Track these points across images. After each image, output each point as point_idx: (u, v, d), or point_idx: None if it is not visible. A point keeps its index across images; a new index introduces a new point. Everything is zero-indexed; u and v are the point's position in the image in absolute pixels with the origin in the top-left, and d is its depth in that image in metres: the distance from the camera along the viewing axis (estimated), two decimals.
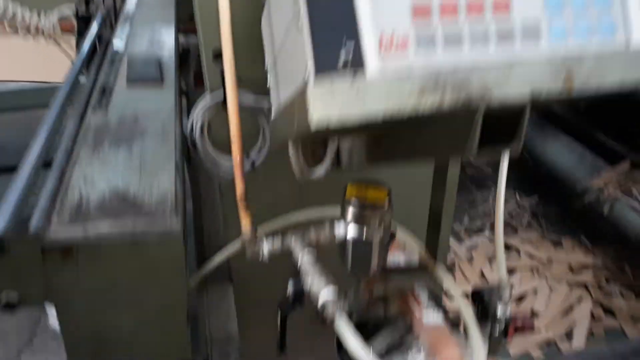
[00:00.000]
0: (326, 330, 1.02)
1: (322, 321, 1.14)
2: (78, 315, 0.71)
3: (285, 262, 1.17)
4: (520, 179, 3.43)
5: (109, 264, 0.67)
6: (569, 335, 2.45)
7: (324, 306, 0.65)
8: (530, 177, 3.37)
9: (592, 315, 2.54)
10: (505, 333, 0.81)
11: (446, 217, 1.03)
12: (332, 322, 0.64)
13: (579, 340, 2.41)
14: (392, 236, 0.77)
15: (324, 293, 0.65)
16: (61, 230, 0.67)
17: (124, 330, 0.74)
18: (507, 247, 2.93)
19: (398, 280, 0.82)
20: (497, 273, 0.85)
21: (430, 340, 0.80)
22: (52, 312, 1.92)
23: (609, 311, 2.58)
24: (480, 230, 3.14)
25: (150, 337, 0.77)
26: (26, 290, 0.70)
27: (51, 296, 0.69)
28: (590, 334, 2.47)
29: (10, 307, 0.72)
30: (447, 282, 0.82)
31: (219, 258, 0.98)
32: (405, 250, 0.87)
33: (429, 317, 0.82)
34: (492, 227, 2.96)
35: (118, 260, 0.68)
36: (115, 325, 0.73)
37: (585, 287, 2.68)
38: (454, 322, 0.82)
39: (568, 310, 2.56)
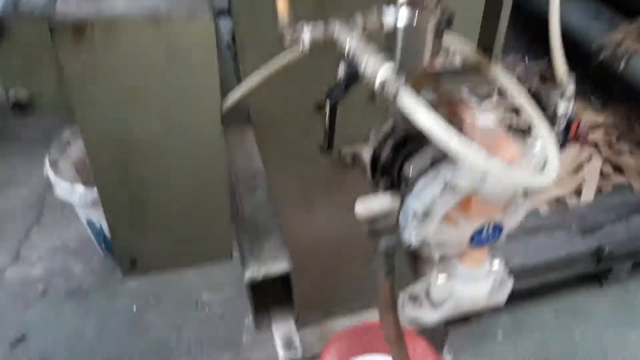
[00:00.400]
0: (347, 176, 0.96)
1: (344, 165, 1.07)
2: (97, 113, 0.63)
3: (302, 105, 1.08)
4: (529, 42, 3.29)
5: (129, 46, 0.58)
6: (577, 192, 2.46)
7: (382, 84, 0.56)
8: (540, 39, 3.22)
9: (601, 173, 2.53)
10: (567, 132, 0.74)
11: (505, 8, 0.92)
12: (394, 99, 0.56)
13: (588, 195, 2.43)
14: (449, 23, 0.67)
15: (383, 70, 0.56)
16: (71, 6, 0.56)
17: (152, 132, 0.66)
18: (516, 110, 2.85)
19: (448, 80, 0.74)
20: (556, 74, 0.76)
21: (486, 142, 0.73)
22: (58, 183, 1.85)
23: (617, 169, 2.58)
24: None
25: (182, 142, 0.70)
26: (36, 85, 0.61)
27: (66, 90, 0.59)
28: (599, 191, 2.47)
29: (19, 107, 0.63)
30: (504, 80, 0.74)
31: (240, 91, 0.88)
32: (455, 50, 0.77)
33: (482, 119, 0.74)
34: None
35: (140, 41, 0.58)
36: (142, 127, 0.65)
37: (596, 145, 2.64)
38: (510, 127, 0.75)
39: (578, 168, 2.55)
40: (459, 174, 0.65)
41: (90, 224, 2.29)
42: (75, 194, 2.14)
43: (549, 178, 0.62)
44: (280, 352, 1.05)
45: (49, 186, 2.47)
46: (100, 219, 2.23)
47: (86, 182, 2.12)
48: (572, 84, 0.72)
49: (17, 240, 2.49)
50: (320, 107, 0.77)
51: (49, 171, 2.20)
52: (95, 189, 0.79)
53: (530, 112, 0.70)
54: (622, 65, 2.58)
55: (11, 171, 2.80)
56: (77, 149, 2.36)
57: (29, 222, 2.58)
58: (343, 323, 1.43)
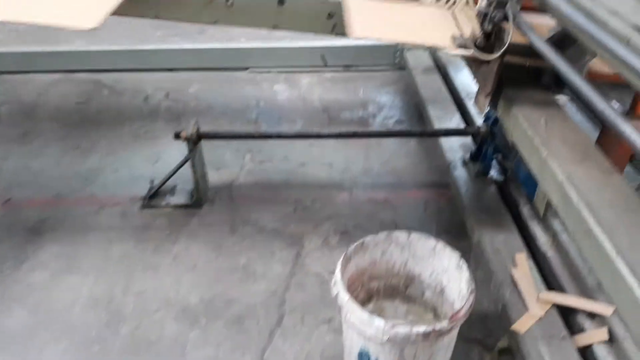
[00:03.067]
0: None
1: None
2: None
3: None
4: None
5: None
6: None
7: None
8: None
9: None
10: None
11: None
12: None
13: None
14: None
15: None
16: None
17: None
18: None
19: None
20: None
21: None
22: (354, 310, 1.64)
23: None
24: None
25: None
26: None
27: None
28: None
29: None
30: None
31: None
32: None
33: None
34: None
35: None
36: None
37: None
38: None
39: None
40: None
41: (363, 355, 2.11)
42: (371, 327, 1.97)
43: None
44: None
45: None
46: (377, 353, 2.05)
47: None
48: None
49: (262, 343, 2.35)
50: None
51: (342, 291, 2.06)
52: None
53: None
54: None
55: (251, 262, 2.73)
56: (355, 265, 2.23)
57: (271, 323, 2.45)
58: None
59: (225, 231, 2.94)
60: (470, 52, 1.50)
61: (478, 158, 3.16)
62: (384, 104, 4.25)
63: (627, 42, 1.08)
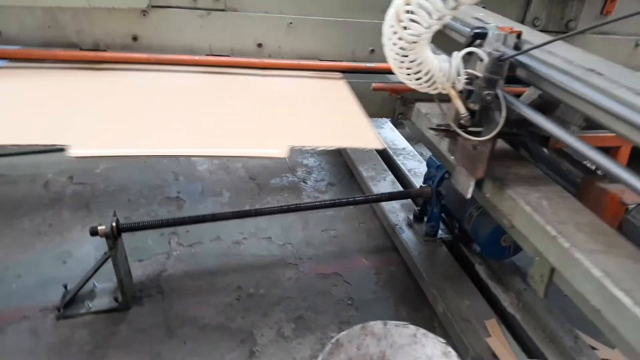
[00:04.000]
0: None
1: None
2: None
3: None
4: None
5: None
6: None
7: None
8: None
9: None
10: None
11: None
12: None
13: None
14: None
15: None
16: None
17: None
18: None
19: None
20: None
21: None
22: None
23: None
24: None
25: None
26: None
27: None
28: None
29: None
30: None
31: None
32: None
33: None
34: None
35: None
36: None
37: None
38: None
39: None
40: None
41: None
42: None
43: None
44: None
45: None
46: None
47: None
48: None
49: None
50: None
51: None
52: None
53: None
54: None
55: None
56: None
57: None
58: None
59: (161, 336, 2.54)
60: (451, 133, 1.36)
61: (422, 219, 3.06)
62: (311, 167, 4.09)
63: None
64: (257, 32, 1.77)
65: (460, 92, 1.30)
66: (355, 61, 1.88)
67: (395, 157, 3.76)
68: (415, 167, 3.66)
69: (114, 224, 2.53)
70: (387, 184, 3.46)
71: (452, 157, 1.48)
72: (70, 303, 2.67)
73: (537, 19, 1.89)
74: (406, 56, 1.14)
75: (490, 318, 2.44)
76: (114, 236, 2.53)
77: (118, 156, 1.27)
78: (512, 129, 1.32)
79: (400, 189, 3.40)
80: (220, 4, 1.68)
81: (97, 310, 2.66)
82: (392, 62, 1.20)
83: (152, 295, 2.79)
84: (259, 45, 1.80)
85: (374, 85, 1.85)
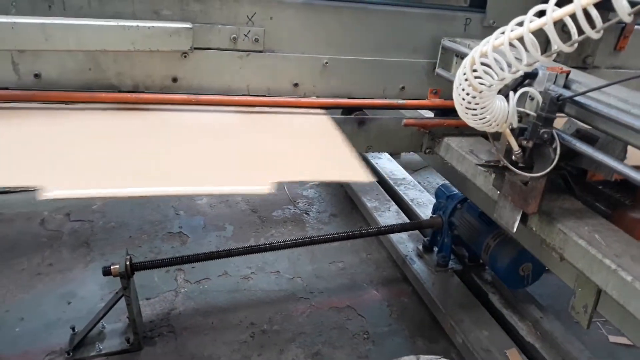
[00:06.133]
0: None
1: None
2: None
3: None
4: None
5: None
6: None
7: None
8: None
9: None
10: None
11: None
12: None
13: None
14: None
15: None
16: None
17: None
18: None
19: None
20: None
21: None
22: None
23: None
24: None
25: None
26: None
27: None
28: None
29: None
30: None
31: None
32: None
33: None
34: None
35: None
36: None
37: None
38: None
39: None
40: None
41: None
42: None
43: None
44: None
45: None
46: None
47: None
48: None
49: None
50: None
51: None
52: None
53: None
54: None
55: None
56: None
57: None
58: None
59: None
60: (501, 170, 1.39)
61: (432, 249, 3.09)
62: (312, 198, 4.10)
63: None
64: (294, 72, 1.80)
65: (513, 129, 1.34)
66: (386, 98, 1.92)
67: (396, 188, 3.80)
68: (418, 196, 3.70)
69: (127, 263, 2.47)
70: (392, 214, 3.49)
71: (498, 192, 1.52)
72: (80, 345, 2.58)
73: (557, 56, 1.97)
74: (475, 98, 1.18)
75: (510, 347, 2.46)
76: (127, 275, 2.48)
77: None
78: (558, 163, 1.36)
79: (406, 219, 3.43)
80: (259, 46, 1.70)
81: (108, 352, 2.57)
82: (459, 106, 1.24)
83: (164, 334, 2.72)
84: (295, 85, 1.83)
85: (405, 121, 1.89)
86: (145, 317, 2.78)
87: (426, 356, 1.95)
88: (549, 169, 1.30)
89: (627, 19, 0.86)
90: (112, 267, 2.46)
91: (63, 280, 3.05)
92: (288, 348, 2.65)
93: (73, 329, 2.62)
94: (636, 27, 2.04)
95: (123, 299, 2.50)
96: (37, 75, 1.59)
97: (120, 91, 1.64)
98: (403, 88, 1.96)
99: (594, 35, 0.94)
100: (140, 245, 3.40)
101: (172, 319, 2.82)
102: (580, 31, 0.96)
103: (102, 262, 3.05)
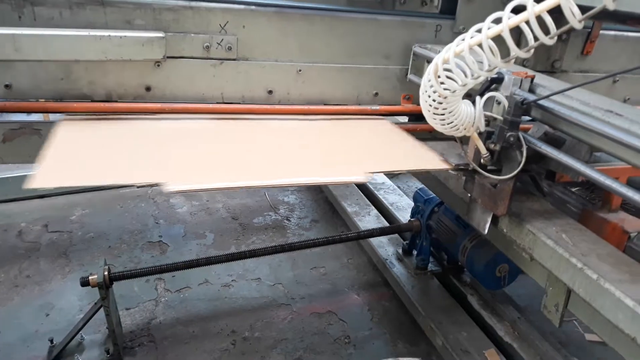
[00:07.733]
0: None
1: None
2: None
3: None
4: None
5: None
6: None
7: None
8: None
9: None
10: None
11: None
12: None
13: None
14: None
15: None
16: None
17: None
18: None
19: None
20: None
21: None
22: None
23: None
24: None
25: None
26: None
27: None
28: None
29: None
30: None
31: None
32: None
33: None
34: None
35: None
36: None
37: None
38: None
39: None
40: None
41: None
42: None
43: None
44: None
45: None
46: None
47: None
48: None
49: None
50: None
51: None
52: None
53: None
54: None
55: None
56: None
57: None
58: None
59: None
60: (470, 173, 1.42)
61: (411, 252, 3.12)
62: (293, 204, 4.11)
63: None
64: (268, 80, 1.81)
65: (480, 133, 1.37)
66: (360, 104, 1.95)
67: (376, 192, 3.83)
68: (397, 200, 3.74)
69: (106, 273, 2.45)
70: (372, 218, 3.51)
71: (469, 195, 1.54)
72: (58, 358, 2.55)
73: (526, 60, 2.02)
74: (441, 104, 1.21)
75: (488, 348, 2.49)
76: (106, 285, 2.46)
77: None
78: (526, 165, 1.39)
79: (386, 223, 3.45)
80: (232, 54, 1.72)
81: None
82: (426, 111, 1.26)
83: (144, 344, 2.70)
84: (270, 92, 1.84)
85: None
86: (125, 328, 2.75)
87: (406, 359, 1.96)
88: (516, 172, 1.33)
89: (578, 25, 0.89)
90: (90, 278, 2.44)
91: (41, 291, 3.02)
92: (269, 355, 2.65)
93: (51, 341, 2.59)
94: (602, 32, 2.10)
95: (102, 309, 2.49)
96: (7, 86, 1.58)
97: (93, 100, 1.64)
98: (376, 94, 1.99)
99: (547, 41, 0.97)
100: (119, 255, 3.37)
101: (153, 328, 2.80)
102: (536, 37, 0.99)
103: (80, 273, 3.03)
